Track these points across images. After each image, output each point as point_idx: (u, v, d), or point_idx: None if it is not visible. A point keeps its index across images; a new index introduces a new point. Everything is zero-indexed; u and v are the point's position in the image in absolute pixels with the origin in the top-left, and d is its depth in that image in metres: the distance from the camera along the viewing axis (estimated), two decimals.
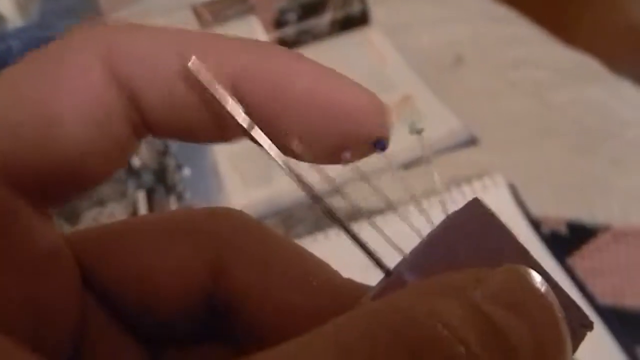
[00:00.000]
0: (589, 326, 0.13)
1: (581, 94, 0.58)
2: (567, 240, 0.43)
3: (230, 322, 0.14)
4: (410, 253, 0.13)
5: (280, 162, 0.13)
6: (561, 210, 0.45)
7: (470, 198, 0.13)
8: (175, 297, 0.13)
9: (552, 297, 0.11)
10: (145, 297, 0.13)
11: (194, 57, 0.12)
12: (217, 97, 0.12)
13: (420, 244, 0.13)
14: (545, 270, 0.13)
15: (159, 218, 0.14)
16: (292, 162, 0.13)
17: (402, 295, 0.11)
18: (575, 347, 0.12)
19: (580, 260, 0.41)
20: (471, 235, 0.13)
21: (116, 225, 0.14)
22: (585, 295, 0.38)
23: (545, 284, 0.12)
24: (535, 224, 0.43)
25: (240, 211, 0.14)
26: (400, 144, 0.60)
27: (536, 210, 0.45)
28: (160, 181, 0.55)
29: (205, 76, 0.12)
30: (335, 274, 0.14)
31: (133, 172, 0.56)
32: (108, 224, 0.14)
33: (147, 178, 0.55)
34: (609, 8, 1.20)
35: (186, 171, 0.55)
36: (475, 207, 0.13)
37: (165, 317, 0.13)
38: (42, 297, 0.11)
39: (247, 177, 0.53)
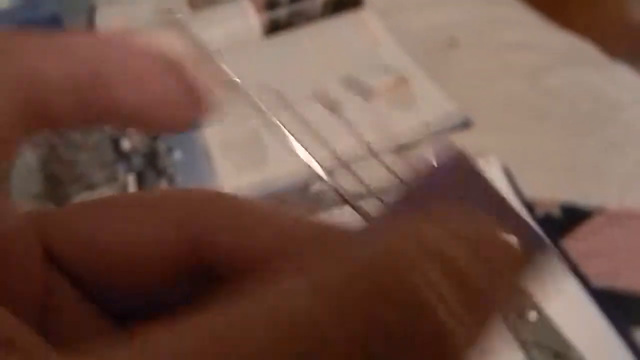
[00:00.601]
0: (550, 255, 0.13)
1: (576, 77, 0.58)
2: (561, 223, 0.42)
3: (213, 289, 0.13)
4: (393, 201, 0.13)
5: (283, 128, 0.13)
6: (555, 192, 0.45)
7: None
8: (149, 267, 0.13)
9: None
10: (116, 269, 0.13)
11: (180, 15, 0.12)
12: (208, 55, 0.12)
13: (403, 192, 0.13)
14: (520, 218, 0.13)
15: (130, 194, 0.14)
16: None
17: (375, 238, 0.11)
18: (533, 275, 0.12)
19: (574, 242, 0.41)
20: (453, 187, 0.13)
21: (86, 202, 0.14)
22: (579, 277, 0.37)
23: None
24: (529, 206, 0.43)
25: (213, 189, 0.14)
26: (398, 126, 0.59)
27: (530, 193, 0.45)
28: (151, 165, 0.54)
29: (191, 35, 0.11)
30: (315, 221, 0.14)
31: (123, 156, 0.56)
32: (77, 202, 0.14)
33: (138, 162, 0.55)
34: None
35: (177, 155, 0.55)
36: (460, 161, 0.13)
37: (138, 288, 0.13)
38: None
39: (239, 161, 0.53)
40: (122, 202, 0.14)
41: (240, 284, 0.10)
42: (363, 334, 0.09)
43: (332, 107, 0.51)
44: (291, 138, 0.13)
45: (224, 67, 0.12)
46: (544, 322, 0.34)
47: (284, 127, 0.14)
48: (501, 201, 0.13)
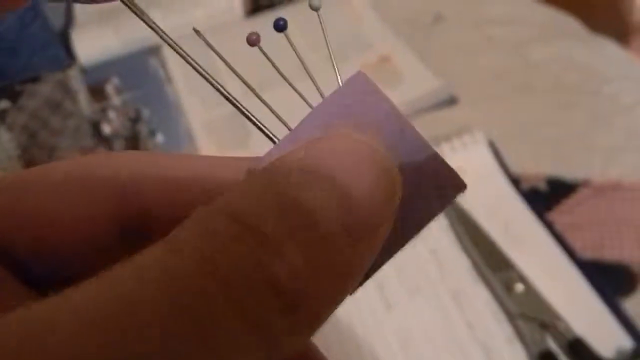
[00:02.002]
0: (462, 187, 0.13)
1: (561, 51, 0.57)
2: (547, 196, 0.42)
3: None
4: (296, 126, 0.14)
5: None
6: (541, 166, 0.45)
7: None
8: (81, 233, 0.13)
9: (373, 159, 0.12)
10: (47, 240, 0.13)
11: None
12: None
13: (306, 116, 0.14)
14: (414, 134, 0.13)
15: (53, 164, 0.14)
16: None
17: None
18: (442, 207, 0.13)
19: (560, 215, 0.41)
20: (351, 106, 0.13)
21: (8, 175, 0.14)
22: (565, 249, 0.37)
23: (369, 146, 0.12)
24: (515, 181, 0.43)
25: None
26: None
27: (516, 167, 0.44)
28: (133, 148, 0.53)
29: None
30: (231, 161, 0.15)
31: (103, 140, 0.55)
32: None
33: (119, 145, 0.54)
34: None
35: (159, 137, 0.54)
36: (360, 81, 0.13)
37: (72, 257, 0.13)
38: None
39: (222, 143, 0.52)
40: (49, 173, 0.14)
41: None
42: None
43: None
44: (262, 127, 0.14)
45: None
46: (531, 293, 0.34)
47: (252, 115, 0.14)
48: (398, 121, 0.13)
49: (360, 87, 0.13)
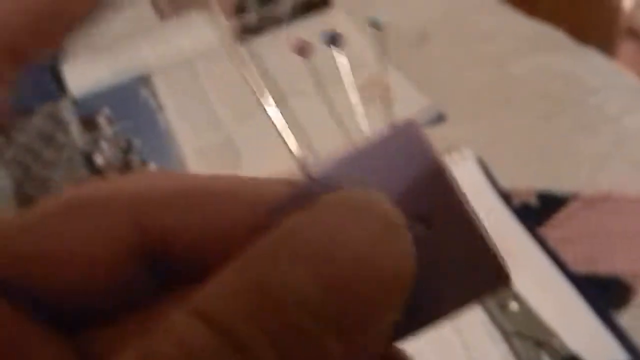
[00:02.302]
0: (505, 280, 0.12)
1: (545, 63, 0.58)
2: (538, 211, 0.42)
3: (174, 277, 0.13)
4: (333, 160, 0.12)
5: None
6: (530, 180, 0.45)
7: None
8: (102, 269, 0.13)
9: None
10: (65, 276, 0.13)
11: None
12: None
13: (346, 152, 0.12)
14: (472, 213, 0.12)
15: (69, 196, 0.13)
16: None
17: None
18: (475, 297, 0.12)
19: (552, 230, 0.41)
20: (395, 155, 0.12)
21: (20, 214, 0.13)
22: (558, 264, 0.38)
23: None
24: (506, 197, 0.43)
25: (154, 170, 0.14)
26: (375, 124, 0.58)
27: (506, 183, 0.45)
28: None
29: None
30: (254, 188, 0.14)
31: (97, 172, 0.55)
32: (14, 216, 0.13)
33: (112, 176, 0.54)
34: None
35: (152, 167, 0.54)
36: (410, 129, 0.12)
37: (92, 291, 0.13)
38: None
39: (214, 169, 0.52)
40: (64, 208, 0.13)
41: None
42: None
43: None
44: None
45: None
46: (525, 311, 0.34)
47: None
48: (444, 180, 0.12)
49: (409, 136, 0.12)
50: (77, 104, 0.63)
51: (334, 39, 0.13)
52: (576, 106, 0.51)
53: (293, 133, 0.55)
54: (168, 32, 0.66)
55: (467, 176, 0.43)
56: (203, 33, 0.66)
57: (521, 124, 0.51)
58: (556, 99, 0.53)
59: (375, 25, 0.14)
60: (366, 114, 0.55)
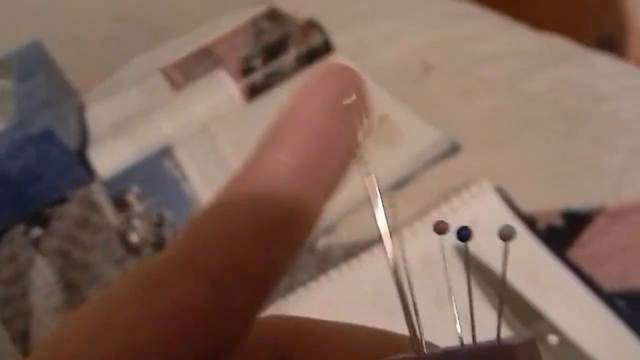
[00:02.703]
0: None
1: (554, 76, 0.58)
2: (565, 231, 0.42)
3: None
4: (444, 349, 0.13)
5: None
6: (553, 200, 0.45)
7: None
8: None
9: None
10: None
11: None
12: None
13: (460, 347, 0.13)
14: None
15: None
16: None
17: None
18: None
19: (581, 249, 0.41)
20: None
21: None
22: (592, 286, 0.37)
23: None
24: (530, 222, 0.43)
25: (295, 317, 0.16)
26: (385, 166, 0.59)
27: (529, 207, 0.45)
28: None
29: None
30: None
31: (133, 249, 0.57)
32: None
33: (147, 253, 0.56)
34: None
35: None
36: (526, 347, 0.13)
37: None
38: None
39: None
40: None
41: None
42: None
43: None
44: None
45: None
46: (565, 343, 0.34)
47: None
48: None
49: (523, 351, 0.12)
50: (106, 185, 0.66)
51: (466, 235, 0.13)
52: (592, 119, 0.51)
53: None
54: (182, 101, 0.69)
55: (487, 209, 0.43)
56: (216, 96, 0.68)
57: (538, 143, 0.51)
58: (571, 114, 0.52)
59: (508, 234, 0.13)
60: (378, 154, 0.56)
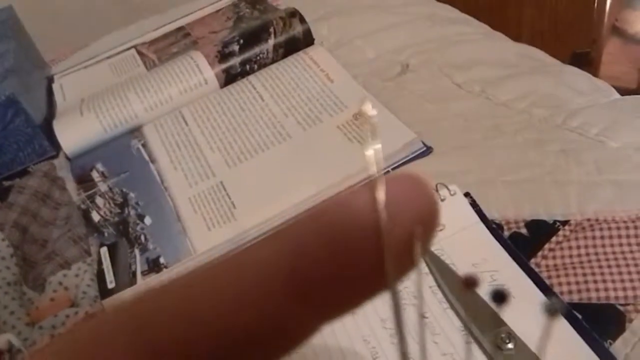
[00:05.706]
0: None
1: (528, 86, 0.59)
2: (529, 240, 0.43)
3: None
4: None
5: None
6: (520, 209, 0.45)
7: None
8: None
9: None
10: None
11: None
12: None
13: None
14: None
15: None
16: None
17: None
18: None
19: (544, 259, 0.41)
20: None
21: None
22: (552, 296, 0.38)
23: None
24: (496, 228, 0.43)
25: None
26: (357, 163, 0.58)
27: (495, 213, 0.45)
28: (123, 234, 0.54)
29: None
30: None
31: (94, 229, 0.56)
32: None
33: (109, 233, 0.55)
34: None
35: (147, 220, 0.55)
36: None
37: None
38: None
39: (209, 219, 0.53)
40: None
41: None
42: None
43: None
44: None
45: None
46: (520, 350, 0.34)
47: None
48: None
49: None
50: (70, 160, 0.64)
51: (501, 297, 0.13)
52: (559, 131, 0.52)
53: (280, 176, 0.55)
54: (155, 81, 0.67)
55: (455, 212, 0.44)
56: (190, 80, 0.67)
57: (507, 152, 0.51)
58: (539, 125, 0.53)
59: (553, 311, 0.13)
60: (352, 150, 0.56)
